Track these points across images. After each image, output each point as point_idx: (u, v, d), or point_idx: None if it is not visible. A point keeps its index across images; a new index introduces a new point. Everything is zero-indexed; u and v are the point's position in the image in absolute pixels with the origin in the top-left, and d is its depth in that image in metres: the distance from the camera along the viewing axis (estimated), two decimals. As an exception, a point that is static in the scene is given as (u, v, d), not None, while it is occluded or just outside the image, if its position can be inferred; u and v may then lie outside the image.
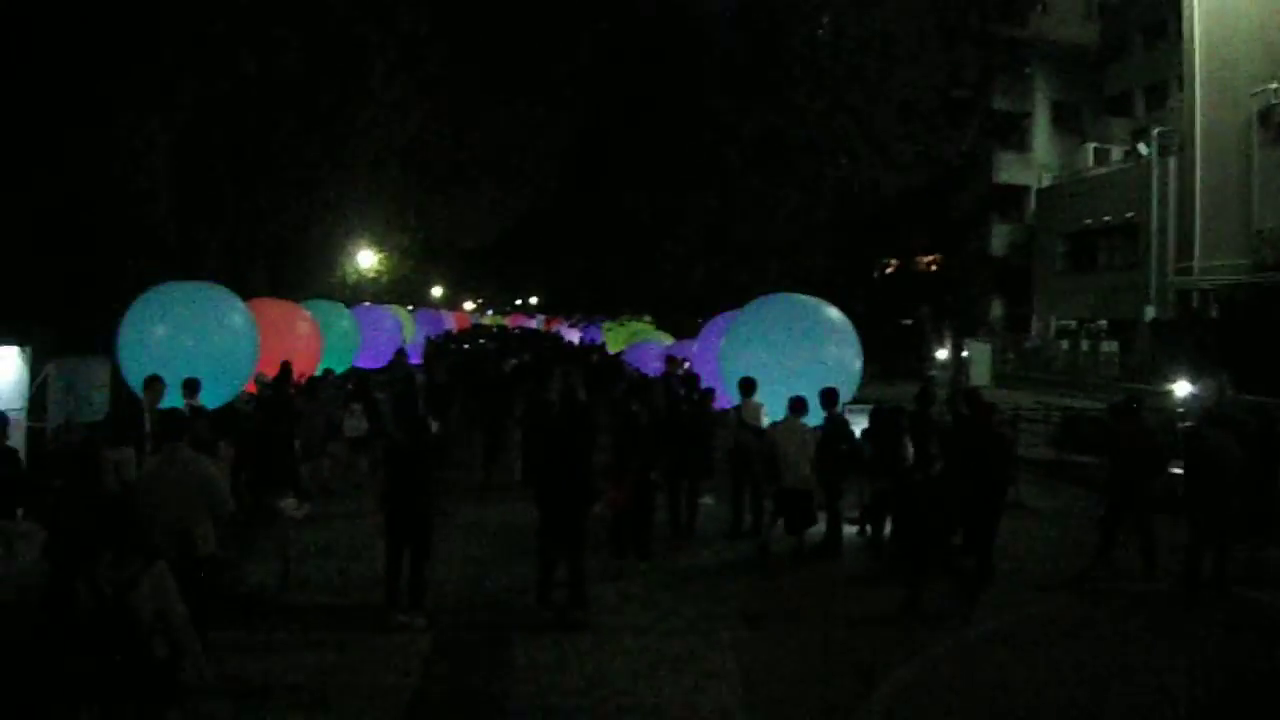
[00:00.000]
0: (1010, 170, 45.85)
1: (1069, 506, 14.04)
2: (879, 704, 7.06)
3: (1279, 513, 10.84)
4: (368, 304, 27.78)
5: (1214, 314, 31.22)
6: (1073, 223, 41.35)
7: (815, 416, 11.43)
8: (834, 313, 13.34)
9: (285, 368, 13.55)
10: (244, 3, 17.38)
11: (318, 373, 15.11)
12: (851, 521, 11.96)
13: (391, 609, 8.42)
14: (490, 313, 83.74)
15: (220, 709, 6.56)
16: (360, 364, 19.88)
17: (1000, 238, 46.27)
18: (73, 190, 14.92)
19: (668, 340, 25.61)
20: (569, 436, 9.15)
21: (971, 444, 10.17)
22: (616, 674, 7.45)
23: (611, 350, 32.16)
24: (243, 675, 7.11)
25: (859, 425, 12.20)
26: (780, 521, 11.01)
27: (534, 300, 73.82)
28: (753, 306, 14.16)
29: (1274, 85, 29.33)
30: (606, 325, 38.44)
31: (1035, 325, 43.85)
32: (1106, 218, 39.05)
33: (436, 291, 58.31)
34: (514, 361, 23.86)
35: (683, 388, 13.99)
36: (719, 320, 16.68)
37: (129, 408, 10.93)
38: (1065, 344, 40.65)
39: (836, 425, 11.49)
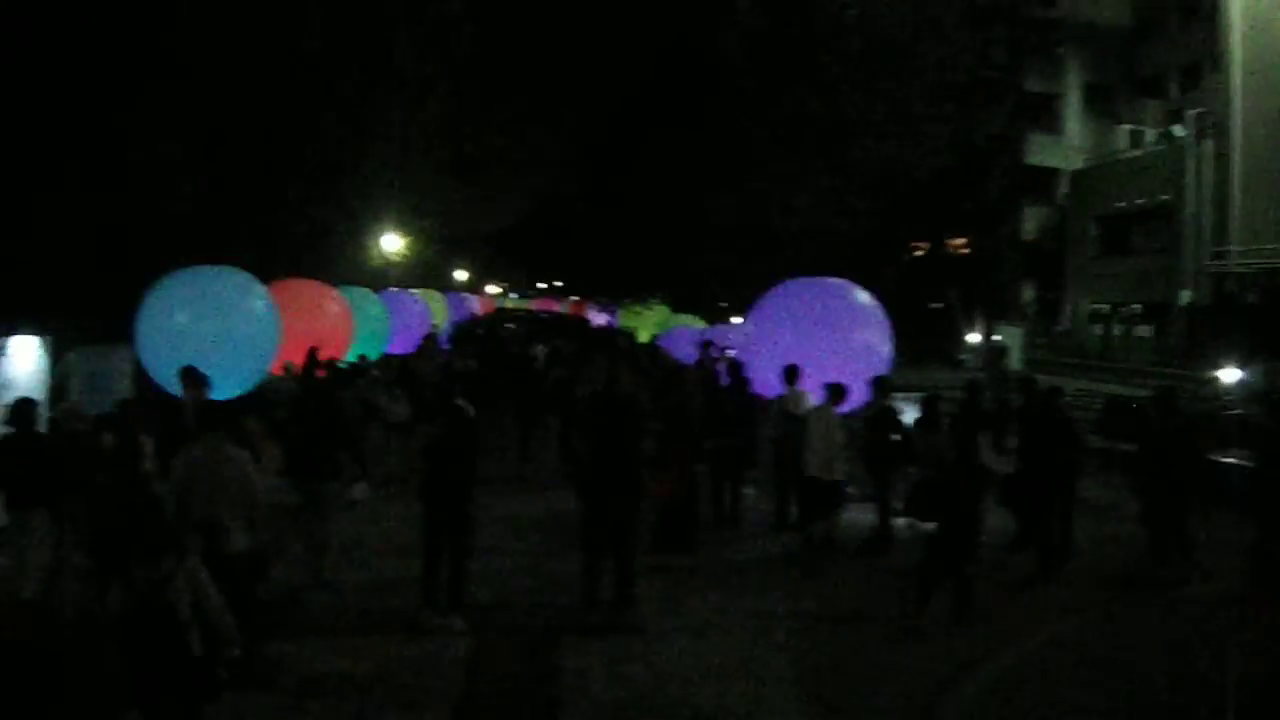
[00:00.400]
0: (1041, 152, 44.88)
1: (1121, 500, 13.49)
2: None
3: None
4: (394, 288, 27.47)
5: (1252, 299, 30.57)
6: (1105, 205, 40.63)
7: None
8: (864, 296, 12.91)
9: (312, 354, 13.20)
10: None
11: (352, 357, 14.77)
12: (899, 514, 11.55)
13: (428, 609, 7.97)
14: (514, 296, 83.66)
15: (258, 706, 6.32)
16: (390, 350, 19.57)
17: (1031, 220, 45.47)
18: (95, 182, 14.63)
19: (700, 325, 25.23)
20: (618, 426, 8.63)
21: (1037, 434, 9.75)
22: (673, 679, 7.09)
23: (642, 338, 31.81)
24: (276, 680, 6.82)
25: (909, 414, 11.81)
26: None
27: (558, 284, 73.70)
28: (781, 290, 13.69)
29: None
30: (635, 309, 38.07)
31: (1066, 309, 43.19)
32: (1140, 200, 38.29)
33: (461, 275, 58.12)
34: (542, 347, 23.51)
35: (726, 375, 13.55)
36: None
37: (153, 396, 10.65)
38: (1098, 328, 39.99)
39: (885, 414, 11.07)
